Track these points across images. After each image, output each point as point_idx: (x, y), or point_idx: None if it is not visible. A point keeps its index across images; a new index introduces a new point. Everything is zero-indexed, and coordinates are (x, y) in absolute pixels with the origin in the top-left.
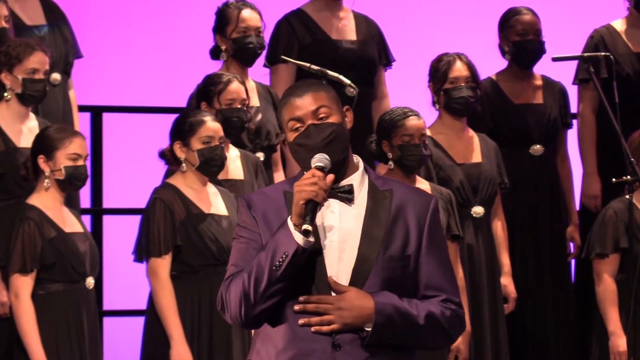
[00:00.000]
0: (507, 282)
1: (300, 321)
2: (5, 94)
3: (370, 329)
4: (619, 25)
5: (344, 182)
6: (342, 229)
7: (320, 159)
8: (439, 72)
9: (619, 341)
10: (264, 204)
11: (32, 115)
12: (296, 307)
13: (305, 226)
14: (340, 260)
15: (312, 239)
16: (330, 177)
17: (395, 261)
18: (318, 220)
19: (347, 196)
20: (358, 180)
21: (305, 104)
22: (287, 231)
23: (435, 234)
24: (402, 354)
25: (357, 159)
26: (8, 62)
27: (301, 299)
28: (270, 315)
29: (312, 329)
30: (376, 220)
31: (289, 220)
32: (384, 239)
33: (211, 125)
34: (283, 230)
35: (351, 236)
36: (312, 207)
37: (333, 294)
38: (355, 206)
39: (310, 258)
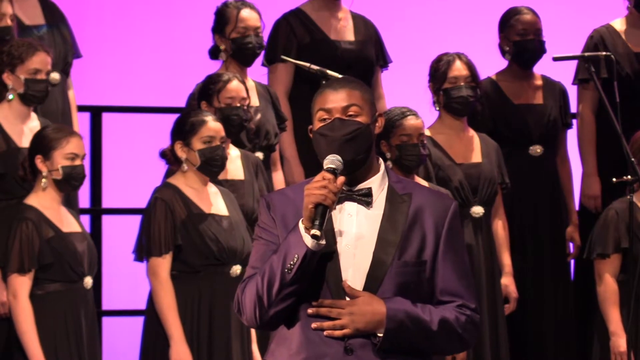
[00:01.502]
0: (508, 282)
1: (313, 325)
2: (8, 94)
3: (381, 335)
4: (619, 25)
5: (363, 185)
6: (358, 233)
7: (332, 161)
8: (438, 71)
9: (620, 341)
10: (283, 204)
11: (33, 115)
12: (310, 311)
13: (314, 231)
14: (354, 264)
15: (323, 242)
16: (341, 179)
17: (410, 266)
18: (335, 224)
19: (365, 199)
20: (377, 184)
21: (338, 98)
22: (298, 234)
23: (453, 239)
24: (416, 359)
25: (379, 161)
26: (10, 62)
27: (315, 303)
28: (286, 317)
29: (325, 333)
30: (392, 224)
31: (300, 223)
32: (400, 243)
33: (212, 125)
34: (294, 233)
35: (367, 240)
36: (321, 211)
37: (348, 298)
38: (373, 209)
39: (325, 261)
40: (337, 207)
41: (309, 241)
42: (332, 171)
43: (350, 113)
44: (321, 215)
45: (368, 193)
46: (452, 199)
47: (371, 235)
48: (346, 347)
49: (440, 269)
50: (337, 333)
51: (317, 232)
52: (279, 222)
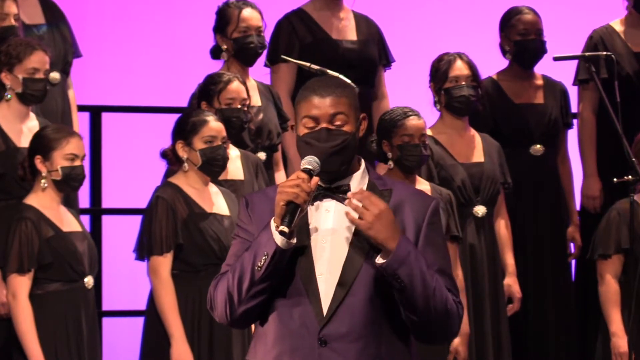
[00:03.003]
0: (511, 282)
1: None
2: (6, 94)
3: (384, 260)
4: (618, 25)
5: (342, 182)
6: (335, 228)
7: (309, 162)
8: (439, 71)
9: (621, 342)
10: (262, 204)
11: (32, 115)
12: (349, 194)
13: (282, 227)
14: (330, 259)
15: (294, 240)
16: (315, 180)
17: None
18: (311, 220)
19: (343, 196)
20: (357, 181)
21: (324, 105)
22: (269, 232)
23: (433, 234)
24: (395, 348)
25: (360, 160)
26: (8, 61)
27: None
28: (258, 314)
29: (345, 211)
30: None
31: (272, 221)
32: None
33: (214, 125)
34: (265, 231)
35: (343, 234)
36: (292, 209)
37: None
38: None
39: (298, 256)
40: (315, 204)
41: (278, 239)
42: (308, 172)
43: (337, 122)
44: (291, 213)
45: (346, 190)
46: (434, 197)
47: (348, 229)
48: (320, 339)
49: None
50: (352, 217)
51: (285, 229)
52: (256, 220)
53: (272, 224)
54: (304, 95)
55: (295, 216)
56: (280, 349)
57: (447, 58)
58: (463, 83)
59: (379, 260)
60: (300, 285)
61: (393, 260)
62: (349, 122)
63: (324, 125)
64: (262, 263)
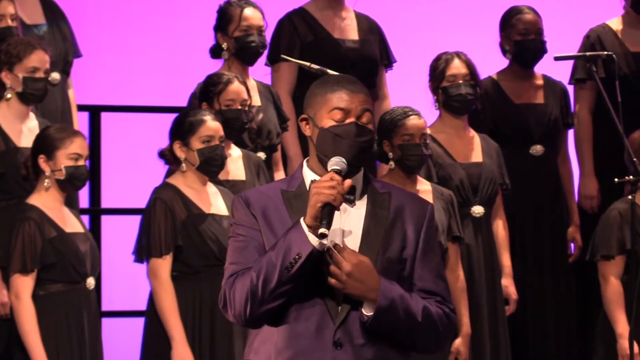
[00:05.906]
0: (508, 283)
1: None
2: (6, 93)
3: (371, 314)
4: (615, 24)
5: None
6: (342, 228)
7: (337, 163)
8: (437, 70)
9: (627, 343)
10: (262, 202)
11: (32, 115)
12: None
13: (322, 230)
14: None
15: (325, 241)
16: (348, 182)
17: (393, 263)
18: None
19: (349, 197)
20: (359, 182)
21: (356, 100)
22: (301, 232)
23: (431, 240)
24: (400, 351)
25: None
26: (8, 61)
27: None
28: (274, 314)
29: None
30: (376, 221)
31: (302, 221)
32: (383, 240)
33: (211, 125)
34: (296, 231)
35: (352, 236)
36: (328, 211)
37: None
38: (356, 207)
39: None
40: None
41: (314, 240)
42: (339, 173)
43: (364, 120)
44: (328, 215)
45: (351, 191)
46: (428, 201)
47: (356, 231)
48: (335, 341)
49: (417, 269)
50: (332, 281)
51: (326, 231)
52: (260, 218)
53: (304, 225)
54: (332, 88)
55: (332, 218)
56: (293, 350)
57: (445, 57)
58: (460, 82)
59: (365, 311)
60: (314, 286)
61: (378, 313)
62: (371, 122)
63: (353, 119)
64: (292, 263)
